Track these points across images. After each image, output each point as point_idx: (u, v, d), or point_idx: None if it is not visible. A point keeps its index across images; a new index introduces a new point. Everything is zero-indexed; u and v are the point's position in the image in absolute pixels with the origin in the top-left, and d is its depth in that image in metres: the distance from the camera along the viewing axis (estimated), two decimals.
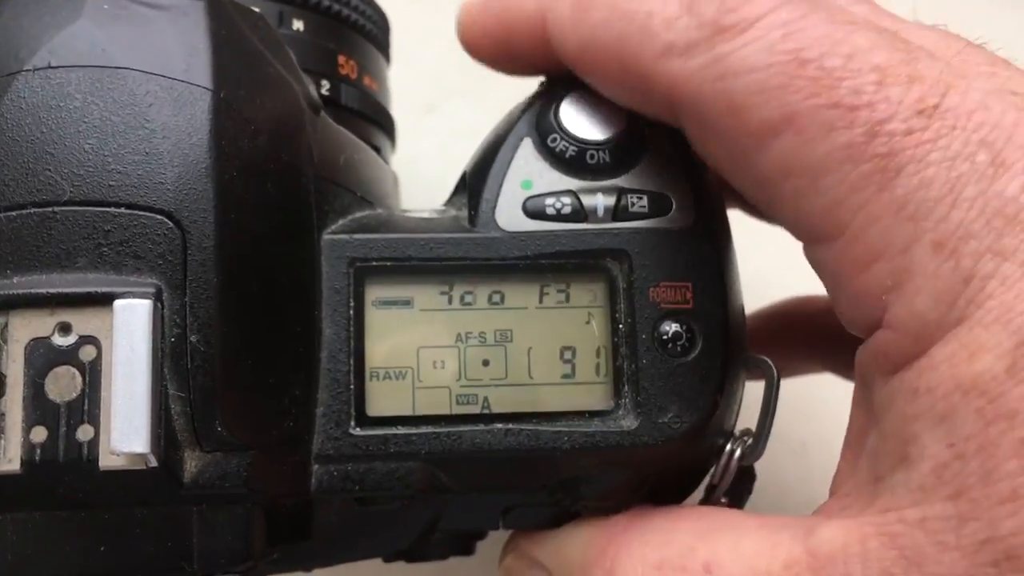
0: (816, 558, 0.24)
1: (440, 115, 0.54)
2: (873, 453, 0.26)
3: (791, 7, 0.26)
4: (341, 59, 0.35)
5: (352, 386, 0.29)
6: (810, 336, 0.43)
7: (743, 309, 0.31)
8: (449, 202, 0.33)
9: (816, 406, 0.48)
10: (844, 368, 0.42)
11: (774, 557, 0.25)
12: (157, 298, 0.25)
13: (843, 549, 0.24)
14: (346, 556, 0.33)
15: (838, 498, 0.27)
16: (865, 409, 0.27)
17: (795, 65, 0.25)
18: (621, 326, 0.30)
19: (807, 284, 0.44)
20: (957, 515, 0.22)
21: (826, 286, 0.27)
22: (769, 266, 0.46)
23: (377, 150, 0.36)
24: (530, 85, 0.33)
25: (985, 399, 0.22)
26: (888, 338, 0.25)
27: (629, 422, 0.29)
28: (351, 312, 0.29)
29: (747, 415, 0.32)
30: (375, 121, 0.37)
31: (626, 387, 0.29)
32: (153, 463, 0.24)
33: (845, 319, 0.27)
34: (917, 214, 0.24)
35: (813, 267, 0.27)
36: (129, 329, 0.24)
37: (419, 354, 0.29)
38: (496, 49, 0.33)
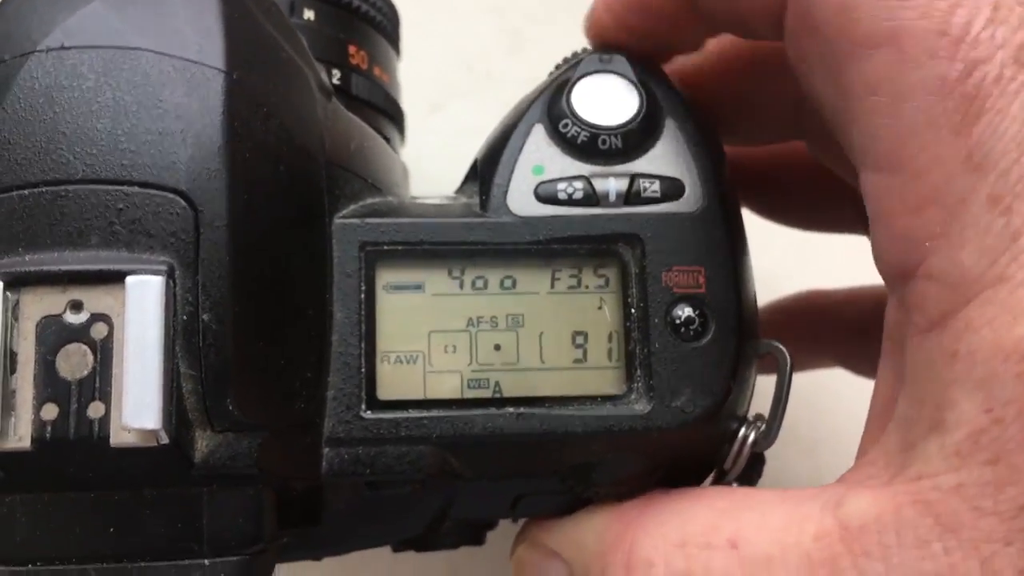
0: (848, 529, 0.24)
1: (445, 114, 0.54)
2: (903, 419, 0.25)
3: None
4: (352, 49, 0.35)
5: (363, 369, 0.29)
6: (822, 330, 0.43)
7: (755, 294, 0.31)
8: (460, 190, 0.33)
9: (827, 403, 0.48)
10: (855, 362, 0.42)
11: (803, 530, 0.25)
12: (169, 276, 0.25)
13: (876, 519, 0.24)
14: (356, 543, 0.33)
15: (863, 464, 0.26)
16: (895, 374, 0.26)
17: None
18: (633, 310, 0.29)
19: (816, 281, 0.44)
20: (995, 480, 0.22)
21: (871, 218, 0.27)
22: (779, 263, 0.46)
23: (387, 140, 0.36)
24: (534, 83, 0.33)
25: None
26: (926, 289, 0.24)
27: (642, 406, 0.29)
28: (362, 296, 0.29)
29: (757, 406, 0.32)
30: (385, 112, 0.37)
31: (639, 371, 0.29)
32: (164, 440, 0.24)
33: (881, 259, 0.26)
34: (983, 165, 0.23)
35: (864, 195, 0.27)
36: (141, 306, 0.24)
37: (430, 338, 0.29)
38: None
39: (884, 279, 0.26)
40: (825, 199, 0.38)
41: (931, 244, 0.24)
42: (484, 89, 0.52)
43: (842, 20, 0.25)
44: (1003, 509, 0.22)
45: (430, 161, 0.46)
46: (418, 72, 0.43)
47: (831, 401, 0.43)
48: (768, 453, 0.32)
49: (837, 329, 0.42)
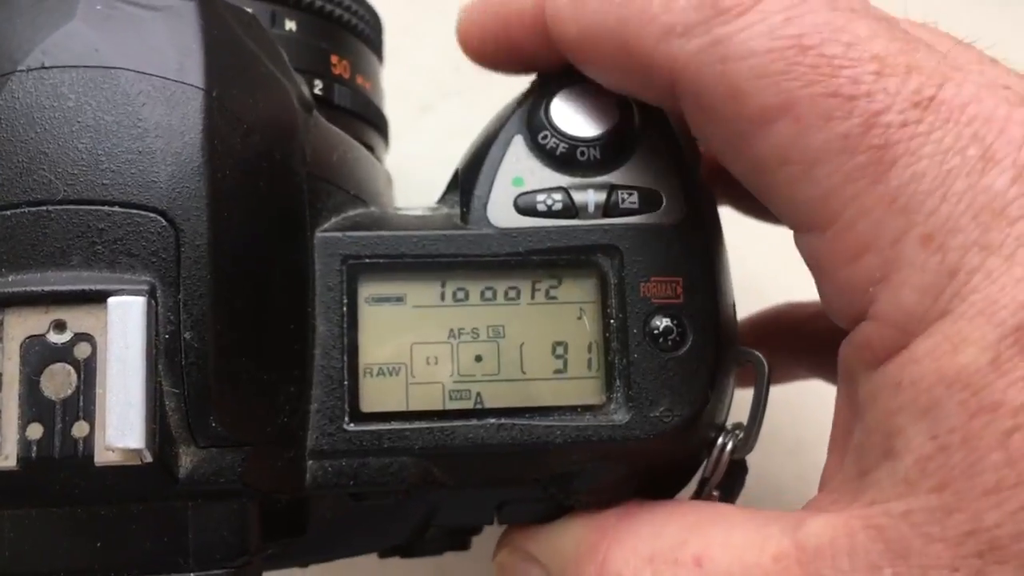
0: (804, 551, 0.25)
1: (435, 115, 0.54)
2: (858, 448, 0.26)
3: None
4: (334, 59, 0.36)
5: (346, 382, 0.29)
6: (798, 342, 0.43)
7: (734, 304, 0.32)
8: (442, 200, 0.33)
9: (810, 404, 0.48)
10: (830, 373, 0.43)
11: (763, 550, 0.25)
12: (151, 295, 0.25)
13: (831, 543, 0.24)
14: (341, 552, 0.33)
15: (826, 493, 0.27)
16: (849, 404, 0.27)
17: (796, 51, 0.25)
18: (612, 321, 0.30)
19: (799, 283, 0.44)
20: (941, 507, 0.23)
21: (814, 275, 0.27)
22: (762, 265, 0.46)
23: (371, 149, 0.37)
24: (524, 85, 0.33)
25: (969, 392, 0.23)
26: (872, 330, 0.25)
27: (621, 416, 0.29)
28: (344, 309, 0.29)
29: (737, 416, 0.32)
30: (368, 120, 0.37)
31: (618, 381, 0.30)
32: (148, 459, 0.24)
33: (831, 309, 0.27)
34: (908, 207, 0.24)
35: (803, 256, 0.28)
36: (123, 326, 0.24)
37: (412, 350, 0.30)
38: (495, 47, 0.33)
39: (838, 324, 0.27)
40: None
41: (874, 290, 0.25)
42: (473, 90, 0.51)
43: (732, 103, 0.26)
44: (950, 535, 0.22)
45: (419, 161, 0.46)
46: (408, 73, 0.43)
47: (815, 402, 0.44)
48: (753, 455, 0.32)
49: (812, 341, 0.42)
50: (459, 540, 0.35)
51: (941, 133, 0.24)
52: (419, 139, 0.51)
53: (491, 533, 0.35)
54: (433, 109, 0.54)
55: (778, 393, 0.44)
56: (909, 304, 0.24)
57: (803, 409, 0.48)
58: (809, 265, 0.27)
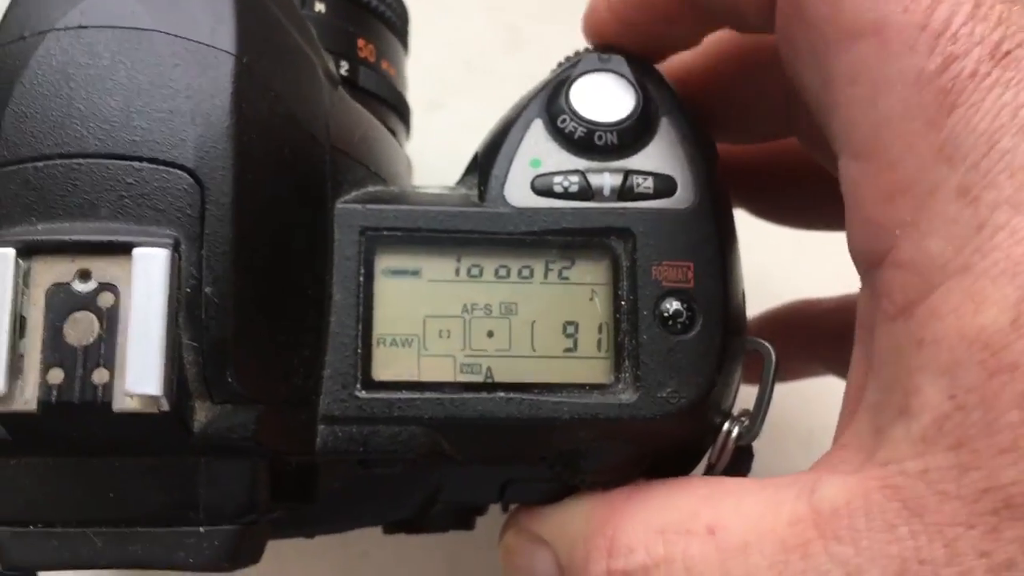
0: (820, 514, 0.25)
1: (445, 112, 0.55)
2: (873, 405, 0.26)
3: None
4: (360, 42, 0.36)
5: (359, 350, 0.29)
6: (811, 338, 0.43)
7: (743, 292, 0.32)
8: (461, 181, 0.34)
9: (822, 395, 0.48)
10: (844, 370, 0.43)
11: (778, 516, 0.25)
12: (175, 249, 0.25)
13: (847, 504, 0.24)
14: (347, 522, 0.34)
15: (837, 449, 0.27)
16: (866, 359, 0.27)
17: None
18: (623, 303, 0.30)
19: (809, 280, 0.45)
20: (958, 465, 0.23)
21: (847, 204, 0.27)
22: (772, 263, 0.47)
23: (392, 133, 0.37)
24: (533, 81, 0.34)
25: (988, 351, 0.23)
26: (894, 276, 0.25)
27: (628, 396, 0.30)
28: (360, 279, 0.30)
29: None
30: (391, 105, 0.38)
31: (626, 362, 0.30)
32: (165, 407, 0.25)
33: (853, 243, 0.27)
34: (954, 157, 0.24)
35: (840, 182, 0.27)
36: (147, 276, 0.25)
37: (425, 323, 0.30)
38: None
39: (856, 266, 0.27)
40: (817, 196, 0.38)
41: (900, 232, 0.25)
42: (483, 87, 0.52)
43: (830, 9, 0.26)
44: (966, 493, 0.23)
45: (430, 159, 0.47)
46: (418, 70, 0.44)
47: (824, 390, 0.44)
48: (762, 442, 0.32)
49: (826, 338, 0.43)
50: (464, 519, 0.36)
51: (1003, 90, 0.24)
52: (429, 136, 0.51)
53: (497, 518, 0.36)
54: (443, 106, 0.55)
55: (791, 383, 0.44)
56: (934, 252, 0.24)
57: (814, 401, 0.48)
58: (845, 194, 0.27)
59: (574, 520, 0.31)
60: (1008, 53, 0.24)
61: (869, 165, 0.26)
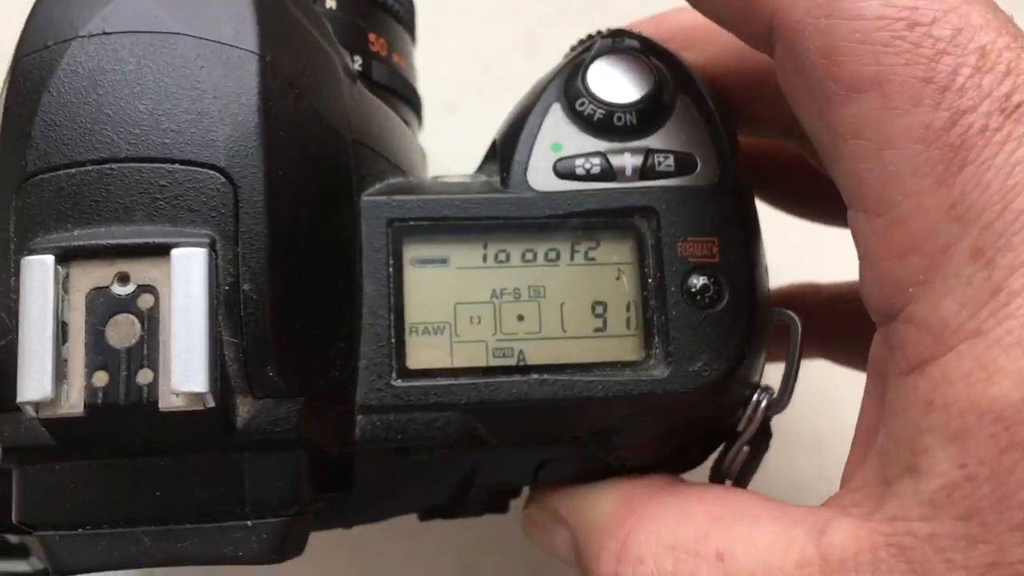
0: (828, 562, 0.25)
1: (461, 116, 0.55)
2: (883, 453, 0.26)
3: None
4: (371, 37, 0.37)
5: (393, 340, 0.30)
6: (810, 323, 0.43)
7: (767, 266, 0.33)
8: (480, 170, 0.34)
9: (832, 401, 0.49)
10: (841, 356, 0.43)
11: (787, 554, 0.26)
12: (212, 248, 0.26)
13: (854, 556, 0.24)
14: (386, 511, 0.34)
15: (848, 491, 0.27)
16: (877, 403, 0.27)
17: (904, 25, 0.24)
18: (650, 280, 0.31)
19: (822, 273, 0.45)
20: (967, 536, 0.23)
21: (859, 255, 0.27)
22: (786, 257, 0.47)
23: (406, 124, 0.38)
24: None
25: (1001, 425, 0.23)
26: (908, 333, 0.25)
27: (660, 371, 0.30)
28: (390, 270, 0.30)
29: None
30: (404, 97, 0.38)
31: (656, 338, 0.30)
32: (211, 403, 0.25)
33: (866, 297, 0.27)
34: (965, 217, 0.23)
35: (852, 233, 0.27)
36: (186, 276, 0.25)
37: (456, 310, 0.30)
38: None
39: (871, 315, 0.27)
40: (829, 190, 0.39)
41: (914, 291, 0.24)
42: (500, 90, 0.52)
43: (826, 62, 0.25)
44: (973, 565, 0.23)
45: (446, 160, 0.47)
46: (434, 73, 0.44)
47: (834, 398, 0.45)
48: (775, 451, 0.33)
49: (825, 324, 0.43)
50: (498, 502, 0.36)
51: (1014, 145, 0.23)
52: (446, 139, 0.52)
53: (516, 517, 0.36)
54: (459, 110, 0.55)
55: (799, 393, 0.45)
56: (948, 314, 0.24)
57: (823, 408, 0.48)
58: (857, 245, 0.27)
59: (594, 510, 0.31)
60: (1019, 106, 0.24)
61: (878, 221, 0.25)
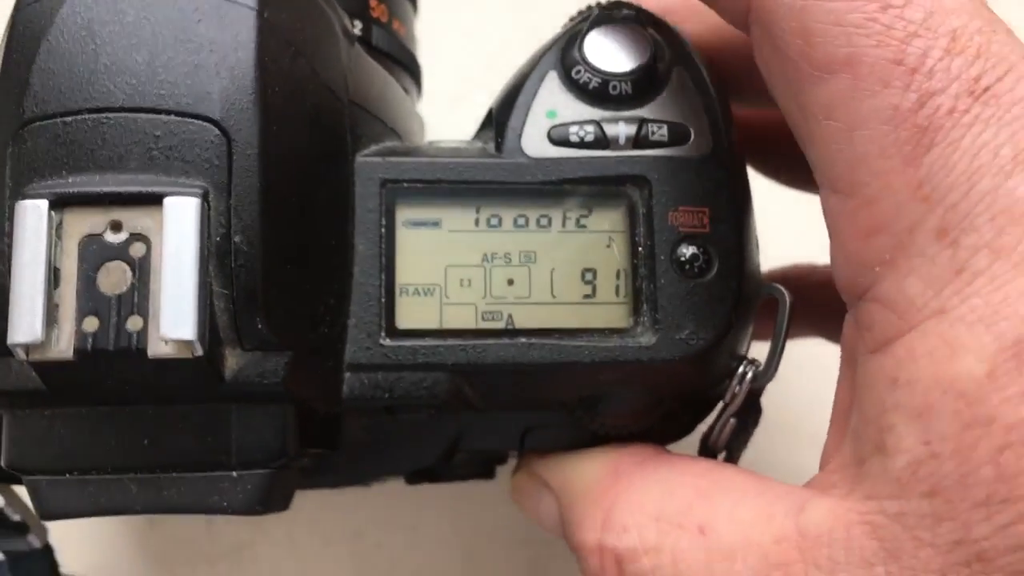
0: (804, 538, 0.25)
1: (467, 107, 0.55)
2: (855, 432, 0.26)
3: None
4: (373, 2, 0.37)
5: (383, 300, 0.30)
6: (805, 303, 0.43)
7: (757, 239, 0.33)
8: (476, 136, 0.34)
9: (824, 395, 0.49)
10: (836, 336, 0.43)
11: (766, 529, 0.26)
12: (204, 199, 0.26)
13: (829, 533, 0.25)
14: (372, 471, 0.35)
15: (827, 472, 0.27)
16: (850, 383, 0.27)
17: (878, 7, 0.24)
18: (640, 248, 0.31)
19: (813, 247, 0.45)
20: (932, 513, 0.23)
21: (829, 234, 0.27)
22: (777, 229, 0.47)
23: (405, 91, 0.38)
24: None
25: (963, 402, 0.23)
26: (874, 312, 0.25)
27: (647, 338, 0.30)
28: (382, 231, 0.30)
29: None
30: (404, 64, 0.38)
31: (645, 306, 0.31)
32: (199, 352, 0.25)
33: (837, 277, 0.27)
34: (931, 197, 0.24)
35: (823, 212, 0.27)
36: (178, 225, 0.25)
37: (447, 272, 0.31)
38: None
39: (841, 294, 0.27)
40: None
41: (880, 270, 0.25)
42: (504, 81, 0.53)
43: (801, 43, 0.26)
44: (940, 543, 0.23)
45: None
46: (440, 65, 0.44)
47: (826, 391, 0.45)
48: (770, 440, 0.33)
49: (820, 303, 0.43)
50: (485, 467, 0.37)
51: (982, 127, 0.24)
52: (451, 130, 0.52)
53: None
54: (464, 101, 0.55)
55: (794, 385, 0.45)
56: (913, 292, 0.24)
57: (815, 402, 0.48)
58: (827, 224, 0.27)
59: (580, 477, 0.32)
60: (987, 89, 0.24)
61: (847, 201, 0.25)
